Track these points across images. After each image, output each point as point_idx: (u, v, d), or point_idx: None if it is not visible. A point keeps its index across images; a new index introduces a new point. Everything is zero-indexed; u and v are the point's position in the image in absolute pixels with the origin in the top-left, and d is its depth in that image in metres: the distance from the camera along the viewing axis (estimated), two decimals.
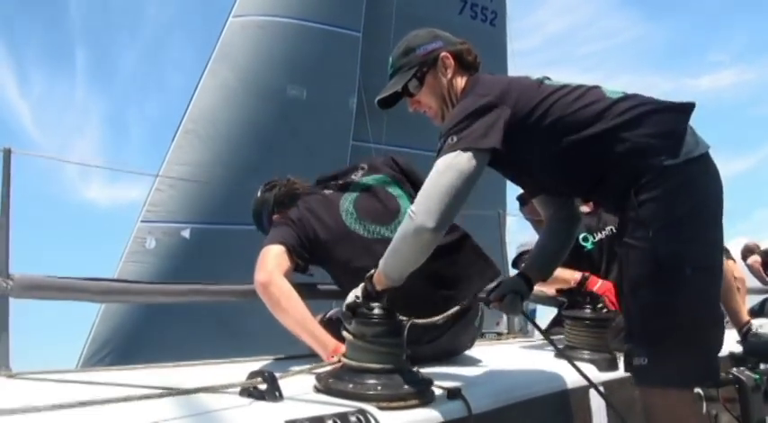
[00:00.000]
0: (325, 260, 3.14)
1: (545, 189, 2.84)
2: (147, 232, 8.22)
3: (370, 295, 2.35)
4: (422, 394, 2.25)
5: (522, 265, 5.86)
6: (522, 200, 5.14)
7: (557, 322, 4.51)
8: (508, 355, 3.56)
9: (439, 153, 2.31)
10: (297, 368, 2.46)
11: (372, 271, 2.38)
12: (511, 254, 5.39)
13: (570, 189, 2.70)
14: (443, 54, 2.60)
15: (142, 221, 8.27)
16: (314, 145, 8.60)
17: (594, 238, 4.39)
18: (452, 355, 3.43)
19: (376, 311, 2.29)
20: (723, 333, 2.40)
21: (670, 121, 2.37)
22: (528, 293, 2.85)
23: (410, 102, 2.69)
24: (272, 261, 2.88)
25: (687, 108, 2.41)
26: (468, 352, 3.57)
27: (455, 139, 2.30)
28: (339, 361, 2.34)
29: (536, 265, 2.95)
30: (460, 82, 2.61)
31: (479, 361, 3.19)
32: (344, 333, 2.34)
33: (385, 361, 2.26)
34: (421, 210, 2.23)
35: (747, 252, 8.46)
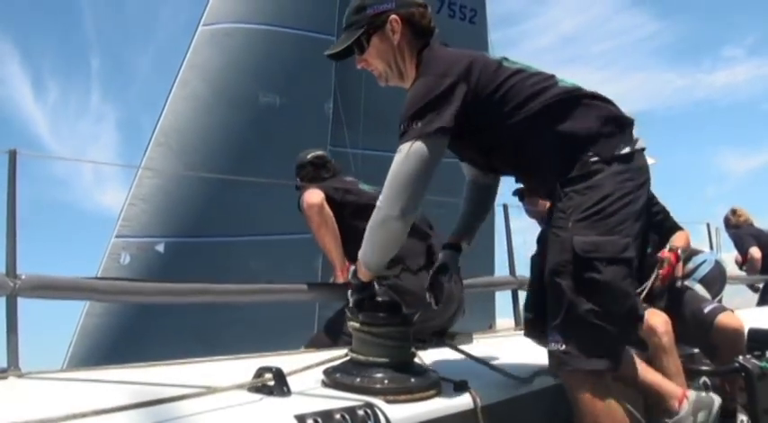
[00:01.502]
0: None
1: (495, 170, 2.96)
2: (122, 248, 8.21)
3: (359, 288, 2.46)
4: (429, 387, 2.32)
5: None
6: (521, 194, 5.21)
7: None
8: (515, 347, 3.62)
9: (402, 137, 2.43)
10: (305, 362, 2.52)
11: (353, 267, 2.50)
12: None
13: (514, 172, 2.87)
14: (392, 17, 2.65)
15: (116, 237, 8.26)
16: (290, 152, 8.66)
17: None
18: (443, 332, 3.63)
19: (382, 306, 2.36)
20: (634, 325, 2.60)
21: (606, 121, 2.53)
22: (455, 264, 2.97)
23: (357, 59, 2.75)
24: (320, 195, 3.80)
25: (625, 121, 2.59)
26: (474, 344, 3.66)
27: (419, 124, 2.41)
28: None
29: (461, 231, 3.05)
30: (409, 48, 2.67)
31: (486, 353, 3.25)
32: (351, 327, 2.39)
33: (392, 355, 2.33)
34: (385, 200, 2.38)
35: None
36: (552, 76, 2.62)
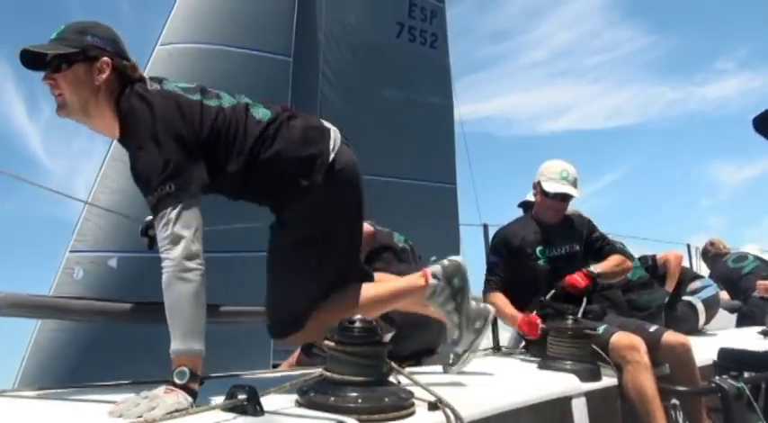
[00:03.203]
0: None
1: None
2: (75, 263, 8.22)
3: None
4: (403, 406, 2.41)
5: None
6: (525, 206, 5.44)
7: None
8: (491, 367, 3.74)
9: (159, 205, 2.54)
10: (279, 381, 2.59)
11: None
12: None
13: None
14: (105, 59, 2.72)
15: (71, 252, 8.27)
16: None
17: (549, 252, 4.64)
18: (429, 352, 4.07)
19: (357, 324, 2.44)
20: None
21: (307, 145, 2.93)
22: None
23: (47, 74, 2.72)
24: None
25: (323, 129, 3.03)
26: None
27: (172, 187, 2.54)
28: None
29: None
30: (107, 94, 2.74)
31: (463, 373, 3.35)
32: (326, 346, 2.47)
33: (366, 373, 2.41)
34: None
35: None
36: (248, 108, 2.92)
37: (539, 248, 4.60)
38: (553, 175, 4.59)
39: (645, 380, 3.74)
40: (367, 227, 4.28)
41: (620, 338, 3.90)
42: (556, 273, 4.46)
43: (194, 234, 2.53)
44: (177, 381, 2.35)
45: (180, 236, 2.49)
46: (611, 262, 4.60)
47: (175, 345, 2.42)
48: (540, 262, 4.55)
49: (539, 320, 4.28)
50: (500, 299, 4.58)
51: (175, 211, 2.51)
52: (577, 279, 4.30)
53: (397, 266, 4.19)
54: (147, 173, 2.57)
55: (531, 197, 5.85)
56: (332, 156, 2.96)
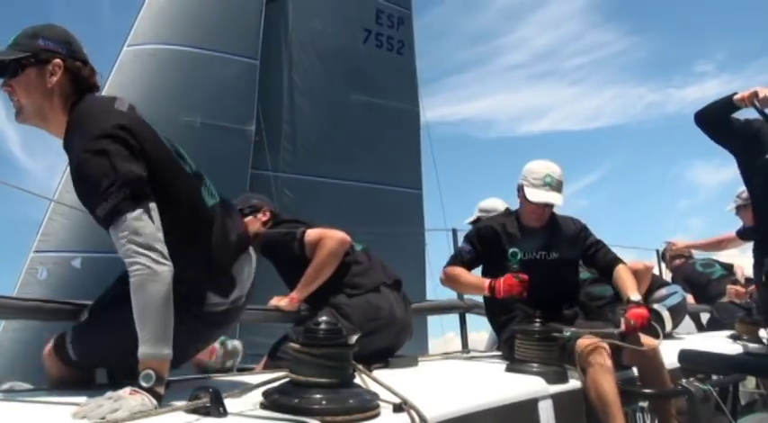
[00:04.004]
0: None
1: None
2: (39, 263, 8.23)
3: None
4: (367, 408, 2.42)
5: None
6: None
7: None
8: (458, 369, 3.77)
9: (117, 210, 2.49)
10: (245, 384, 2.60)
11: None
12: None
13: None
14: (57, 60, 2.72)
15: (35, 252, 8.27)
16: (210, 173, 8.73)
17: (524, 256, 4.50)
18: (391, 352, 4.08)
19: (322, 326, 2.45)
20: None
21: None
22: None
23: (5, 81, 2.74)
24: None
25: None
26: (419, 366, 3.80)
27: (128, 191, 2.50)
28: None
29: None
30: (60, 96, 2.74)
31: (429, 375, 3.37)
32: (291, 348, 2.48)
33: (330, 375, 2.41)
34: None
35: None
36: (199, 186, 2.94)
37: (512, 250, 4.49)
38: (536, 181, 4.49)
39: (606, 383, 3.76)
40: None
41: (584, 342, 3.92)
42: (532, 278, 4.39)
43: (160, 236, 2.52)
44: (143, 384, 2.34)
45: (148, 239, 2.47)
46: (631, 280, 4.46)
47: (144, 348, 2.41)
48: (511, 264, 4.44)
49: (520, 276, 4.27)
50: (462, 270, 4.60)
51: (135, 214, 2.49)
52: (639, 312, 4.13)
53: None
54: (96, 179, 2.52)
55: (479, 213, 5.93)
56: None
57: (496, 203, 6.01)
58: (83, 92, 2.78)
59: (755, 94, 4.44)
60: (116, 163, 2.51)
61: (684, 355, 4.34)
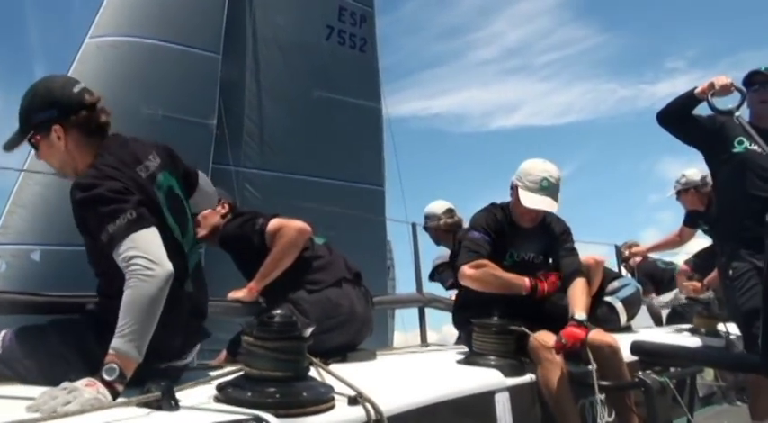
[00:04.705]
0: None
1: None
2: None
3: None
4: (321, 401, 2.43)
5: (438, 277, 6.12)
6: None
7: None
8: (417, 362, 3.78)
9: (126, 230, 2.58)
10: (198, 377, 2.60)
11: None
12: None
13: None
14: (55, 126, 2.86)
15: None
16: None
17: (516, 257, 4.49)
18: (352, 347, 4.06)
19: (276, 319, 2.44)
20: None
21: None
22: None
23: (36, 156, 3.03)
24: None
25: None
26: (377, 360, 3.80)
27: (134, 214, 2.62)
28: None
29: None
30: (80, 150, 2.91)
31: (387, 368, 3.38)
32: (245, 341, 2.47)
33: (285, 368, 2.42)
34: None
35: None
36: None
37: (509, 250, 4.43)
38: (532, 184, 4.30)
39: (555, 377, 3.78)
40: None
41: (536, 336, 3.93)
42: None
43: (162, 250, 2.59)
44: (106, 376, 2.36)
45: (150, 247, 2.56)
46: (583, 299, 4.29)
47: (118, 342, 2.43)
48: (505, 263, 4.38)
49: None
50: (492, 265, 4.27)
51: (143, 233, 2.59)
52: (576, 332, 3.99)
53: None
54: (105, 205, 2.63)
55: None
56: None
57: (434, 207, 6.01)
58: (98, 131, 2.94)
59: (711, 87, 4.48)
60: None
61: (637, 347, 4.36)
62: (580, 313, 4.07)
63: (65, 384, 2.30)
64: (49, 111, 2.86)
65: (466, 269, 4.22)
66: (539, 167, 4.36)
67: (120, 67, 9.12)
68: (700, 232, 7.35)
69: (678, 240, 7.78)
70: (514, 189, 4.40)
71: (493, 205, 4.58)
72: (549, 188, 4.30)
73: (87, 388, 2.28)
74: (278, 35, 10.20)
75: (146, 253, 2.52)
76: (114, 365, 2.38)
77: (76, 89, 2.91)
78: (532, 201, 4.28)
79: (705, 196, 6.70)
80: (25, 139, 2.92)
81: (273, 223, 4.09)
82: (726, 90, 4.51)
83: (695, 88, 4.56)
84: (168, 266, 2.54)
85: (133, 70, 9.19)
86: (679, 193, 7.02)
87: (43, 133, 2.87)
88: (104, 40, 9.11)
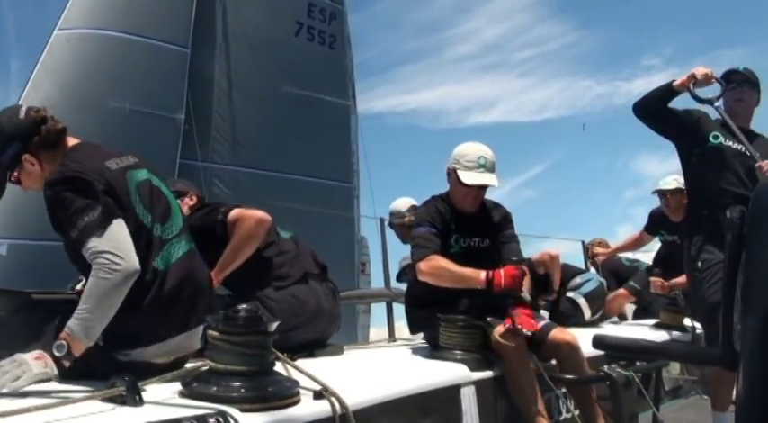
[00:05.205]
0: None
1: None
2: None
3: None
4: (287, 395, 2.44)
5: (405, 278, 6.11)
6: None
7: None
8: (384, 357, 3.79)
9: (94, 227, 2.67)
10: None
11: None
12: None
13: None
14: (25, 156, 2.94)
15: None
16: None
17: (462, 243, 4.45)
18: (320, 343, 4.04)
19: (242, 314, 2.44)
20: None
21: None
22: None
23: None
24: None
25: None
26: (344, 354, 3.81)
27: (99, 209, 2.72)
28: None
29: None
30: (53, 165, 2.94)
31: (354, 363, 3.39)
32: (210, 336, 2.47)
33: (250, 363, 2.43)
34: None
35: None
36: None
37: (454, 236, 4.40)
38: (470, 163, 4.32)
39: (518, 372, 3.80)
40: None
41: (499, 330, 3.93)
42: (464, 263, 4.35)
43: (130, 245, 2.68)
44: (55, 352, 2.46)
45: (124, 251, 2.63)
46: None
47: (74, 324, 2.53)
48: (452, 250, 4.34)
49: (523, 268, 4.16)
50: (445, 260, 4.20)
51: (111, 227, 2.67)
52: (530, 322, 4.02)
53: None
54: (72, 202, 2.72)
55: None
56: None
57: (399, 205, 6.01)
58: (60, 137, 3.00)
59: (693, 77, 4.55)
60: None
61: (598, 341, 4.37)
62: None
63: (15, 356, 2.41)
64: (12, 146, 2.92)
65: (421, 265, 4.19)
66: (474, 148, 4.40)
67: (88, 60, 9.05)
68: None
69: (638, 244, 7.88)
70: (452, 174, 4.40)
71: (432, 198, 4.57)
72: (487, 165, 4.32)
73: (36, 361, 2.40)
74: (247, 30, 10.14)
75: (114, 249, 2.59)
76: (64, 343, 2.48)
77: (22, 114, 2.95)
78: (473, 178, 4.29)
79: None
80: (7, 181, 2.99)
81: (233, 213, 4.05)
82: (707, 80, 4.62)
83: (673, 81, 4.62)
84: (134, 262, 2.61)
85: (101, 63, 9.11)
86: (666, 193, 6.80)
87: (18, 168, 2.95)
88: (73, 32, 9.02)
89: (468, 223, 4.46)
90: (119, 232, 2.67)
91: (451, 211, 4.42)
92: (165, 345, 2.88)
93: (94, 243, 2.60)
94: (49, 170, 2.92)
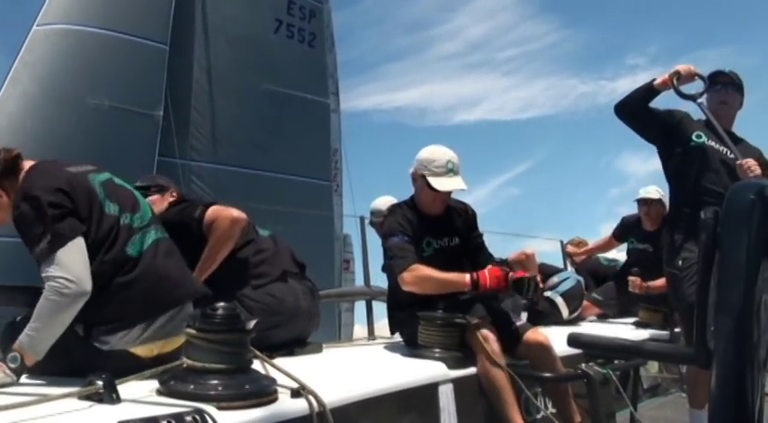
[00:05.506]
0: None
1: None
2: None
3: None
4: (264, 393, 2.45)
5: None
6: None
7: None
8: (362, 355, 3.80)
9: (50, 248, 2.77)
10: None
11: None
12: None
13: None
14: None
15: None
16: (117, 158, 8.58)
17: (435, 245, 4.46)
18: (299, 342, 4.06)
19: (219, 311, 2.44)
20: None
21: None
22: None
23: None
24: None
25: None
26: (323, 353, 3.80)
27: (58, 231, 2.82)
28: None
29: None
30: (14, 192, 3.03)
31: (332, 361, 3.39)
32: (187, 334, 2.47)
33: (227, 361, 2.43)
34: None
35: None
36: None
37: (426, 240, 4.42)
38: (439, 169, 4.33)
39: (494, 369, 3.81)
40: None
41: (474, 329, 3.95)
42: (437, 266, 4.36)
43: (86, 266, 2.79)
44: (10, 364, 2.62)
45: (76, 275, 2.73)
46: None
47: (25, 339, 2.68)
48: (425, 254, 4.35)
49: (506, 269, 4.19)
50: (427, 268, 4.19)
51: (65, 250, 2.76)
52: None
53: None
54: (28, 228, 2.84)
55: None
56: None
57: (379, 203, 5.99)
58: (16, 162, 3.09)
59: (677, 73, 4.57)
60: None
61: (573, 339, 4.38)
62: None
63: None
64: None
65: (405, 276, 4.16)
66: (440, 152, 4.41)
67: (67, 56, 9.00)
68: None
69: (606, 247, 8.13)
70: (419, 179, 4.40)
71: (397, 206, 4.60)
72: (455, 169, 4.36)
73: None
74: (226, 26, 10.11)
75: (67, 273, 2.71)
76: (17, 355, 2.64)
77: None
78: (445, 184, 4.32)
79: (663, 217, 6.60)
80: None
81: (209, 214, 4.02)
82: (690, 76, 4.65)
83: (654, 79, 4.63)
84: (84, 285, 2.73)
85: (79, 59, 9.06)
86: (648, 202, 6.98)
87: None
88: (51, 27, 8.97)
89: (435, 224, 4.49)
90: (70, 256, 2.76)
91: (418, 216, 4.44)
92: (142, 330, 2.93)
93: (47, 269, 2.73)
94: (14, 197, 2.99)
